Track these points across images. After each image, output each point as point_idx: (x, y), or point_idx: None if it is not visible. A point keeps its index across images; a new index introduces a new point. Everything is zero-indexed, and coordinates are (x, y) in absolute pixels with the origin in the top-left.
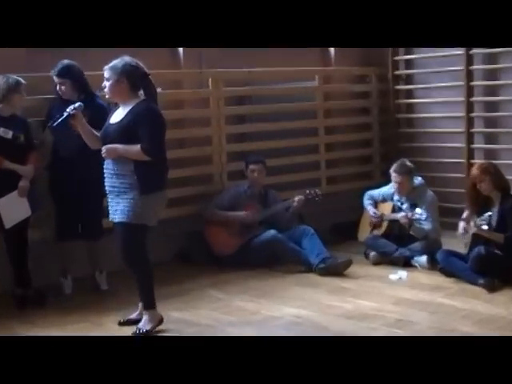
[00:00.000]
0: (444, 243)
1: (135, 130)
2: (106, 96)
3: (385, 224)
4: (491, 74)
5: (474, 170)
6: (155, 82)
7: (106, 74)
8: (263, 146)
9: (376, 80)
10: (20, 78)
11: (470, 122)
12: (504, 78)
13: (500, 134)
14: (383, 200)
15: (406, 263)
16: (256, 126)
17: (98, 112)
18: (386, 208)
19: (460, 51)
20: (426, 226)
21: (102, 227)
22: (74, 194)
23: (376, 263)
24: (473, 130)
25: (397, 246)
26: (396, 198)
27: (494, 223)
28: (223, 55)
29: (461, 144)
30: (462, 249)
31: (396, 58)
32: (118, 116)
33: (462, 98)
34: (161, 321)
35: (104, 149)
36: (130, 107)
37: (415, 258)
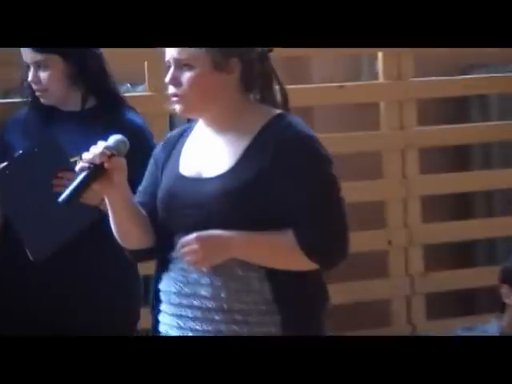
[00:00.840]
0: None
1: (278, 193)
2: (178, 109)
3: None
4: None
5: None
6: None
7: (182, 54)
8: None
9: None
10: None
11: None
12: None
13: None
14: None
15: None
16: None
17: (136, 146)
18: None
19: None
20: None
21: None
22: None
23: None
24: None
25: None
26: None
27: None
28: None
29: None
30: None
31: None
32: (210, 156)
33: None
34: None
35: (194, 242)
36: (248, 133)
37: None
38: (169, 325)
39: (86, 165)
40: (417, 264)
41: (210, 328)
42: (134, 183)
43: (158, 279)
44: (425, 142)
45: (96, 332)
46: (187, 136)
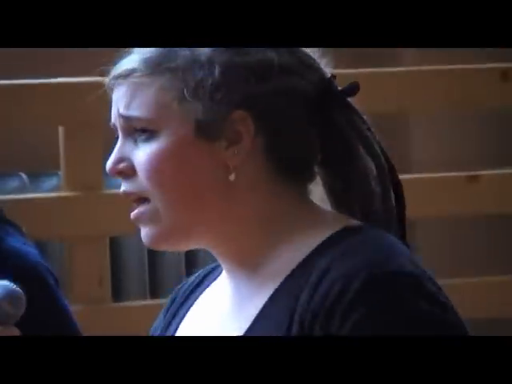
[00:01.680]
0: None
1: None
2: (146, 234)
3: None
4: None
5: None
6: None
7: (135, 107)
8: None
9: None
10: None
11: None
12: None
13: None
14: None
15: None
16: None
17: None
18: None
19: None
20: None
21: None
22: None
23: None
24: None
25: None
26: None
27: None
28: None
29: None
30: None
31: None
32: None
33: None
34: None
35: None
36: (281, 271)
37: None
38: None
39: None
40: None
41: None
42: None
43: None
44: None
45: None
46: (209, 285)
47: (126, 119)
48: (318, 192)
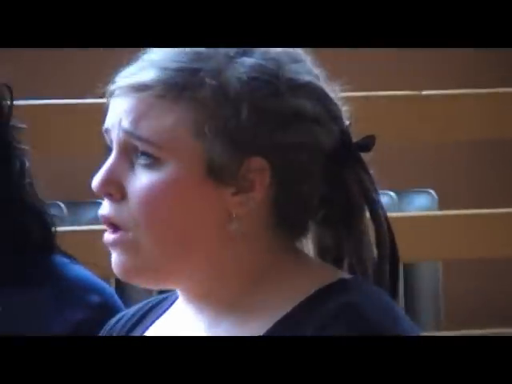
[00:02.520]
0: None
1: None
2: (121, 269)
3: None
4: None
5: None
6: None
7: (143, 126)
8: None
9: None
10: None
11: None
12: None
13: None
14: None
15: None
16: None
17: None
18: None
19: None
20: None
21: None
22: None
23: None
24: None
25: None
26: None
27: None
28: None
29: None
30: None
31: None
32: None
33: None
34: None
35: None
36: (265, 320)
37: None
38: None
39: None
40: None
41: None
42: None
43: None
44: None
45: None
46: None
47: (130, 136)
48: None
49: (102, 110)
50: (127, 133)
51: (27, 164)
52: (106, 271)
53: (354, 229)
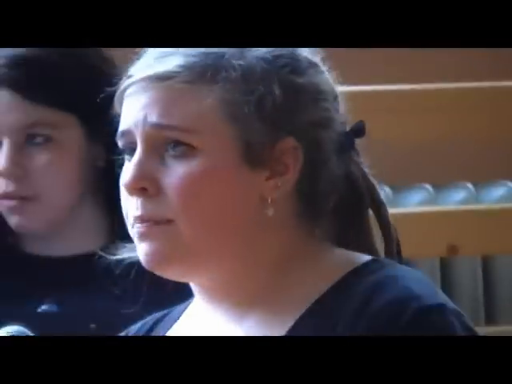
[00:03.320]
0: None
1: None
2: (149, 260)
3: None
4: None
5: None
6: None
7: (174, 115)
8: None
9: None
10: None
11: None
12: None
13: None
14: None
15: None
16: None
17: None
18: None
19: None
20: None
21: None
22: None
23: None
24: None
25: None
26: None
27: None
28: None
29: None
30: None
31: None
32: None
33: None
34: None
35: None
36: (293, 309)
37: None
38: None
39: None
40: None
41: None
42: None
43: None
44: None
45: None
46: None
47: (158, 128)
48: None
49: None
50: (156, 126)
51: None
52: None
53: (360, 218)
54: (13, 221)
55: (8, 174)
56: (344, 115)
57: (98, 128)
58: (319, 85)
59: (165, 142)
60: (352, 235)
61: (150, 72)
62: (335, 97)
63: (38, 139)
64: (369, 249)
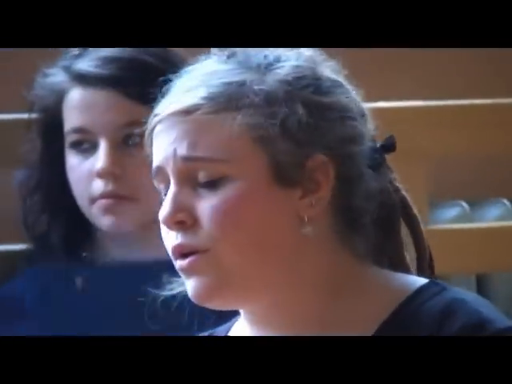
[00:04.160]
0: None
1: None
2: (198, 291)
3: None
4: None
5: None
6: None
7: (202, 146)
8: None
9: None
10: None
11: None
12: None
13: None
14: None
15: None
16: None
17: None
18: None
19: None
20: None
21: None
22: None
23: None
24: None
25: None
26: None
27: None
28: None
29: None
30: None
31: None
32: None
33: None
34: None
35: None
36: None
37: None
38: None
39: None
40: None
41: None
42: None
43: None
44: None
45: None
46: None
47: (189, 161)
48: None
49: None
50: (186, 159)
51: None
52: None
53: (393, 231)
54: (106, 221)
55: (107, 174)
56: (373, 131)
57: None
58: (344, 103)
59: (195, 173)
60: (386, 251)
61: (176, 107)
62: (362, 114)
63: (136, 139)
64: (401, 265)
